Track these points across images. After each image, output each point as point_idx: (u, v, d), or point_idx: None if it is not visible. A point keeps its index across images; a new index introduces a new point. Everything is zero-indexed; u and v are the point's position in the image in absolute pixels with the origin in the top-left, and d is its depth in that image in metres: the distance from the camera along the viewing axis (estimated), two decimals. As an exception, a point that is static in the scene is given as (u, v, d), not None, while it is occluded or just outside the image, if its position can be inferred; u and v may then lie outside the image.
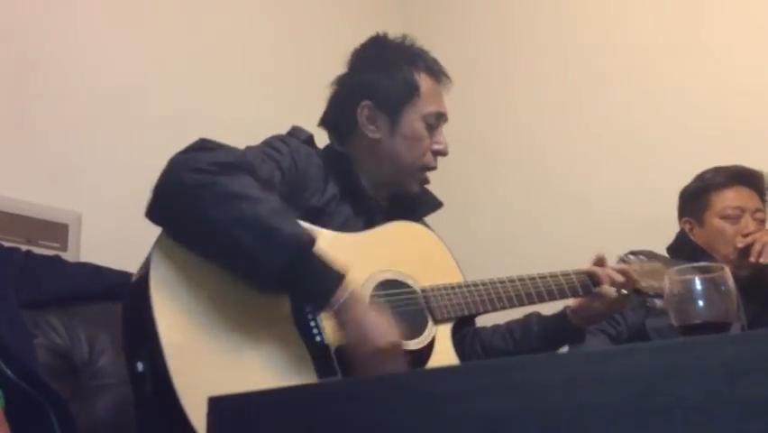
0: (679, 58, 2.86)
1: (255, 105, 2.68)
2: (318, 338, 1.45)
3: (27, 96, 2.20)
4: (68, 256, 2.05)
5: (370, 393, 0.74)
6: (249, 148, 1.63)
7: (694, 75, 2.82)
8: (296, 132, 1.76)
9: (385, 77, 1.78)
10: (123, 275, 1.90)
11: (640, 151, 2.86)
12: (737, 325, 1.79)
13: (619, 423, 0.56)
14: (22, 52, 2.20)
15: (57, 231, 2.14)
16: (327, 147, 1.80)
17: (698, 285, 1.13)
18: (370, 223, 1.72)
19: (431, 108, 1.77)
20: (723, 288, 1.13)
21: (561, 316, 1.77)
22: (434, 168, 1.80)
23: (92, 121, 2.31)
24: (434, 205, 1.87)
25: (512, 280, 1.71)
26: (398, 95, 1.77)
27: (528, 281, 1.72)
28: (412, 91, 1.77)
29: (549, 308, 1.80)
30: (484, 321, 1.86)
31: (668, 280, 1.17)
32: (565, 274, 1.75)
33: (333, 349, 1.45)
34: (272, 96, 2.76)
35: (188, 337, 1.38)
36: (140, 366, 1.39)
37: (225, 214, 1.39)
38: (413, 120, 1.76)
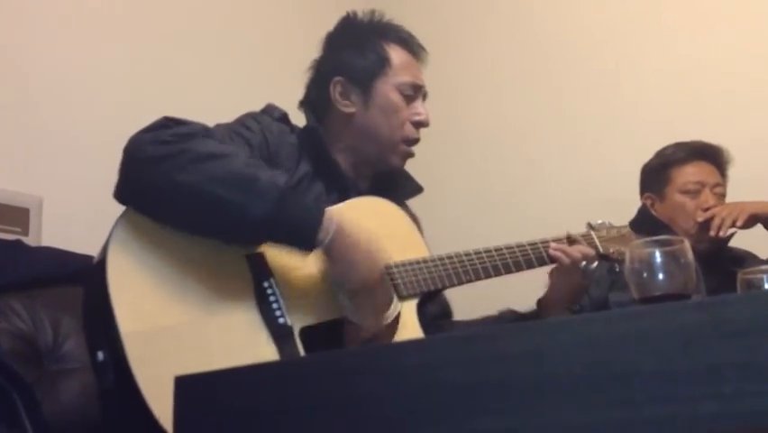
0: (638, 34, 2.89)
1: (226, 86, 2.65)
2: (281, 320, 1.45)
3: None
4: (30, 241, 2.03)
5: (337, 368, 0.75)
6: (218, 126, 1.63)
7: (654, 51, 2.85)
8: (269, 109, 1.75)
9: (355, 52, 1.78)
10: (86, 259, 1.87)
11: (602, 129, 2.89)
12: (697, 297, 1.81)
13: (579, 391, 0.57)
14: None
15: (18, 215, 2.12)
16: (304, 126, 1.78)
17: (657, 258, 1.14)
18: (343, 200, 1.69)
19: (404, 78, 1.76)
20: (682, 260, 1.15)
21: (534, 310, 1.77)
22: (416, 139, 1.78)
23: (51, 104, 2.27)
24: (414, 189, 1.86)
25: (478, 253, 1.69)
26: (369, 67, 1.76)
27: (495, 253, 1.70)
28: (383, 62, 1.76)
29: (519, 285, 1.79)
30: (458, 305, 1.87)
31: (628, 254, 1.18)
32: (532, 244, 1.74)
33: (296, 330, 1.46)
34: (242, 77, 2.74)
35: (148, 325, 1.37)
36: (100, 355, 1.38)
37: (199, 175, 1.39)
38: (386, 90, 1.75)
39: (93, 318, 1.45)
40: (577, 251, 1.71)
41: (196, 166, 1.40)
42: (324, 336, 1.48)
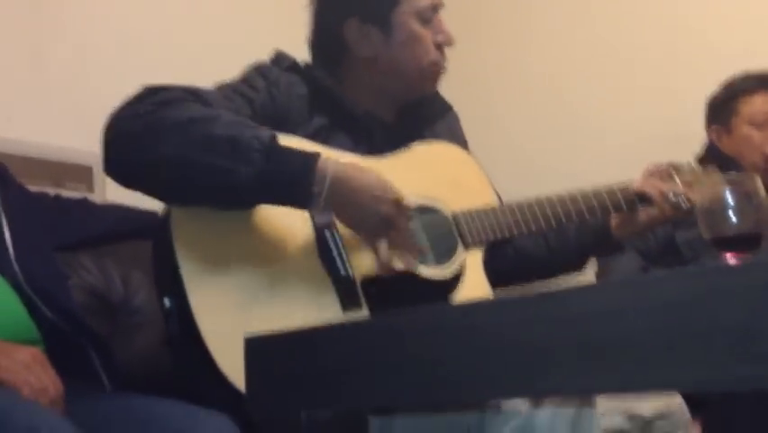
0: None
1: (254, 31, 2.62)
2: (343, 270, 1.41)
3: (46, 39, 2.18)
4: (95, 198, 2.06)
5: (405, 328, 0.75)
6: (219, 86, 1.55)
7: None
8: (278, 59, 1.64)
9: None
10: (150, 214, 1.91)
11: (666, 59, 2.78)
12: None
13: (661, 350, 0.56)
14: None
15: (82, 173, 2.15)
16: (314, 77, 1.63)
17: (729, 197, 1.11)
18: (371, 146, 1.59)
19: (422, 2, 1.62)
20: (754, 198, 1.12)
21: (603, 227, 1.67)
22: (443, 61, 1.65)
23: (111, 61, 2.29)
24: (444, 108, 1.76)
25: (549, 199, 1.61)
26: (383, 1, 1.62)
27: (568, 199, 1.62)
28: None
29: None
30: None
31: (698, 192, 1.15)
32: (609, 191, 1.64)
33: (358, 281, 1.43)
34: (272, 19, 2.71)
35: (211, 275, 1.36)
36: (167, 302, 1.40)
37: (178, 146, 1.33)
38: (406, 21, 1.61)
39: (160, 266, 1.46)
40: (667, 185, 1.63)
41: (174, 135, 1.34)
42: (387, 287, 1.45)
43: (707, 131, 2.41)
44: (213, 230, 1.40)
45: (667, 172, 1.68)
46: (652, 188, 1.64)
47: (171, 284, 1.38)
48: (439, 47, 1.65)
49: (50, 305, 1.43)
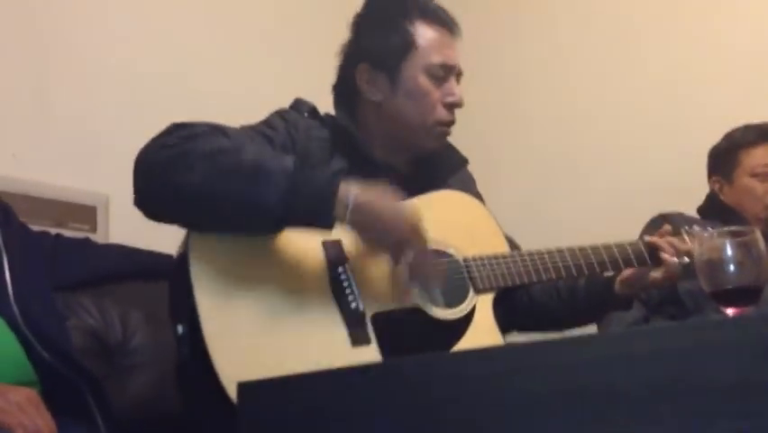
0: (707, 12, 2.80)
1: (274, 81, 2.66)
2: (354, 305, 1.44)
3: (50, 79, 2.20)
4: (98, 238, 2.07)
5: (397, 376, 0.74)
6: (242, 127, 1.60)
7: (724, 29, 2.76)
8: (297, 104, 1.71)
9: (379, 35, 1.69)
10: (153, 255, 1.92)
11: (670, 110, 2.80)
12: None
13: (650, 404, 0.56)
14: (44, 34, 2.20)
15: (85, 213, 2.16)
16: (333, 121, 1.71)
17: (728, 249, 1.11)
18: None
19: (433, 59, 1.66)
20: (754, 251, 1.11)
21: (607, 285, 1.70)
22: (450, 121, 1.69)
23: (114, 102, 2.31)
24: (460, 162, 1.79)
25: (560, 251, 1.65)
26: (394, 50, 1.67)
27: (578, 252, 1.65)
28: (408, 44, 1.66)
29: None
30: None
31: (698, 245, 1.15)
32: (619, 245, 1.68)
33: (368, 316, 1.45)
34: (291, 69, 2.75)
35: (225, 303, 1.38)
36: (180, 329, 1.41)
37: (205, 173, 1.38)
38: (414, 74, 1.66)
39: (176, 294, 1.47)
40: (682, 244, 1.66)
41: (201, 164, 1.38)
42: (397, 324, 1.47)
43: (708, 182, 2.41)
44: (229, 260, 1.42)
45: (678, 232, 1.71)
46: (662, 241, 1.66)
47: (185, 312, 1.39)
48: (449, 108, 1.68)
49: (48, 346, 1.42)
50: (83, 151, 2.22)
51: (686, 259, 1.64)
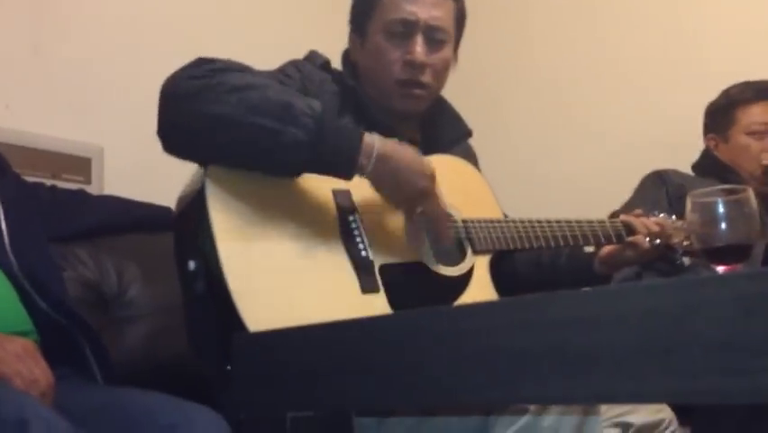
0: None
1: (275, 31, 2.64)
2: (363, 253, 1.47)
3: (44, 29, 2.18)
4: (92, 189, 2.07)
5: (390, 331, 0.75)
6: (259, 72, 1.59)
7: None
8: (312, 56, 1.72)
9: None
10: (148, 207, 1.92)
11: (665, 68, 2.79)
12: (762, 242, 1.78)
13: (636, 362, 0.57)
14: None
15: (80, 165, 2.16)
16: (342, 79, 1.71)
17: (720, 207, 1.12)
18: None
19: (391, 15, 1.65)
20: (746, 209, 1.12)
21: (587, 263, 1.77)
22: (409, 80, 1.66)
23: (109, 53, 2.29)
24: (462, 133, 1.82)
25: (549, 222, 1.70)
26: (361, 9, 1.71)
27: (565, 225, 1.71)
28: (373, 1, 1.68)
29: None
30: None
31: (690, 203, 1.16)
32: (601, 222, 1.75)
33: (377, 265, 1.47)
34: (291, 20, 2.72)
35: (242, 241, 1.38)
36: (191, 265, 1.41)
37: (234, 106, 1.37)
38: (374, 33, 1.68)
39: (187, 230, 1.46)
40: (654, 225, 1.74)
41: (230, 96, 1.38)
42: (403, 275, 1.50)
43: (704, 139, 2.41)
44: (246, 201, 1.42)
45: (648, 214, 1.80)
46: (637, 221, 1.75)
47: (198, 246, 1.39)
48: (408, 66, 1.66)
49: (45, 296, 1.43)
50: (77, 102, 2.21)
51: (657, 240, 1.73)
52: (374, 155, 1.41)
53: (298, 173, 1.45)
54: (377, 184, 1.46)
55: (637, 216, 1.78)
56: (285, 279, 1.39)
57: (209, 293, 1.38)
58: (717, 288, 0.54)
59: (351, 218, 1.49)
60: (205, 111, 1.38)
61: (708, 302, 0.54)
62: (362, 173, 1.43)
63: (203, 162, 1.44)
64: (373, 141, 1.42)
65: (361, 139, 1.41)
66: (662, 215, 1.82)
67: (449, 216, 1.61)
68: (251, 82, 1.42)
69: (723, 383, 0.53)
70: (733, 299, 0.52)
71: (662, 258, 1.95)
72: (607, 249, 1.74)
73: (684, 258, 1.76)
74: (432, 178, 1.48)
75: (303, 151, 1.37)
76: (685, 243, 1.75)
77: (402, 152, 1.45)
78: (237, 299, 1.31)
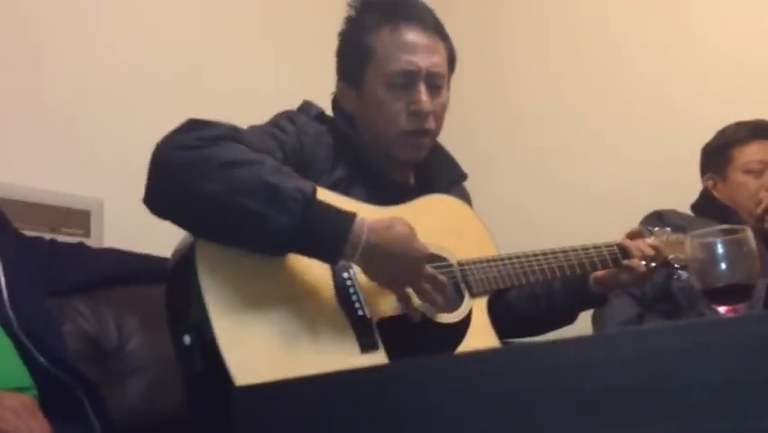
0: (696, 8, 2.80)
1: (274, 83, 2.66)
2: (360, 312, 1.45)
3: (43, 84, 2.20)
4: (92, 243, 2.07)
5: (391, 379, 0.75)
6: (252, 127, 1.59)
7: (714, 26, 2.76)
8: (305, 107, 1.69)
9: (343, 45, 1.70)
10: (148, 259, 1.92)
11: (661, 109, 2.81)
12: (762, 281, 1.77)
13: (640, 405, 0.56)
14: (36, 39, 2.20)
15: (79, 218, 2.16)
16: (336, 128, 1.69)
17: (719, 248, 1.12)
18: (384, 201, 1.62)
19: (390, 68, 1.62)
20: (745, 249, 1.12)
21: (582, 285, 1.76)
22: (417, 130, 1.64)
23: (107, 106, 2.31)
24: (458, 177, 1.81)
25: (544, 254, 1.69)
26: (353, 61, 1.66)
27: (560, 254, 1.70)
28: (366, 53, 1.63)
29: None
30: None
31: (689, 244, 1.16)
32: (596, 247, 1.74)
33: (374, 323, 1.46)
34: (289, 70, 2.75)
35: (235, 310, 1.37)
36: (186, 339, 1.38)
37: (222, 184, 1.35)
38: (373, 84, 1.64)
39: (179, 303, 1.45)
40: (649, 248, 1.74)
41: (220, 173, 1.35)
42: (402, 329, 1.49)
43: (702, 179, 2.42)
44: (237, 266, 1.41)
45: (641, 232, 1.80)
46: (631, 244, 1.74)
47: (192, 320, 1.37)
48: (414, 116, 1.63)
49: (44, 351, 1.42)
50: (76, 155, 2.22)
51: (653, 264, 1.73)
52: (361, 246, 1.38)
53: (280, 255, 1.42)
54: (364, 270, 1.44)
55: (633, 236, 1.77)
56: (283, 347, 1.37)
57: (208, 369, 1.35)
58: (719, 330, 0.54)
59: (345, 275, 1.47)
60: (193, 187, 1.36)
61: (711, 345, 0.54)
62: (349, 260, 1.42)
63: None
64: (363, 229, 1.39)
65: (349, 228, 1.38)
66: (657, 229, 1.82)
67: (441, 258, 1.59)
68: (241, 158, 1.39)
69: (726, 427, 0.52)
70: (735, 341, 0.52)
71: (663, 296, 1.96)
72: (604, 272, 1.74)
73: (683, 272, 1.75)
74: (424, 259, 1.45)
75: (285, 236, 1.35)
76: (681, 256, 1.73)
77: (393, 238, 1.42)
78: (236, 376, 1.29)
